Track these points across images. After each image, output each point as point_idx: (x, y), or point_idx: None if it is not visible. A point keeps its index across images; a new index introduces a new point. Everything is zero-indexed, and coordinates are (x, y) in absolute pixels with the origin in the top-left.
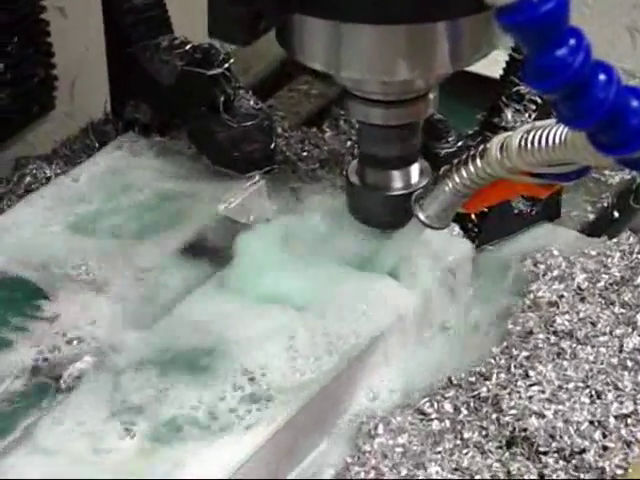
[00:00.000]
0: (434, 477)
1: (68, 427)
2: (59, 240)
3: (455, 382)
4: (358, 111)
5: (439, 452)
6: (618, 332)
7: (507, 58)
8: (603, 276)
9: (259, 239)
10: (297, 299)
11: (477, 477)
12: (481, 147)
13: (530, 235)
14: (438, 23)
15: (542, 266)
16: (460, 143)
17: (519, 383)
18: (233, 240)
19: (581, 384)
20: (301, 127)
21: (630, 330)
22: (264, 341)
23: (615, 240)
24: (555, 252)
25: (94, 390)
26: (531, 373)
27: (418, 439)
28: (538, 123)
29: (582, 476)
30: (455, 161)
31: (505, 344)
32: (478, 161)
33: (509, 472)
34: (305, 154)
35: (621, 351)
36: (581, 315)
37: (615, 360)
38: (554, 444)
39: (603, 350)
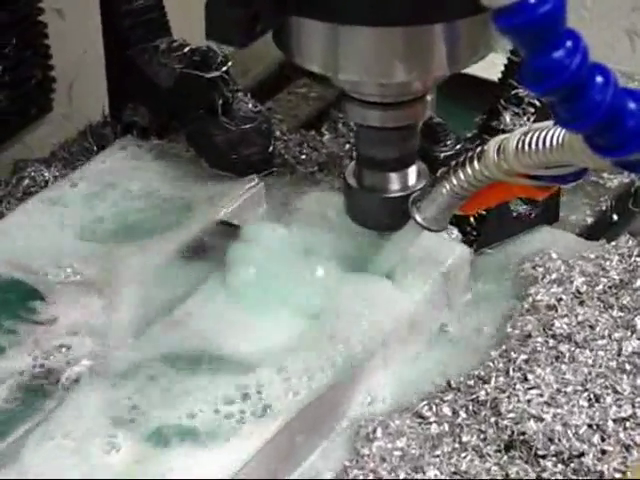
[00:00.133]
0: None
1: (57, 443)
2: (57, 243)
3: (454, 385)
4: (355, 113)
5: (437, 456)
6: (617, 335)
7: (505, 61)
8: (602, 279)
9: (257, 242)
10: (295, 303)
11: None
12: (478, 149)
13: (529, 238)
14: (435, 25)
15: (541, 269)
16: (459, 146)
17: (518, 386)
18: (231, 243)
19: (580, 387)
20: (299, 130)
21: (629, 333)
22: (263, 344)
23: (614, 243)
24: (554, 255)
25: (89, 397)
26: (530, 376)
27: (417, 443)
28: (535, 125)
29: (580, 479)
30: (452, 163)
31: (504, 347)
32: (475, 163)
33: (507, 475)
34: (304, 157)
35: (620, 354)
36: (580, 318)
37: (614, 363)
38: (553, 447)
39: (602, 353)
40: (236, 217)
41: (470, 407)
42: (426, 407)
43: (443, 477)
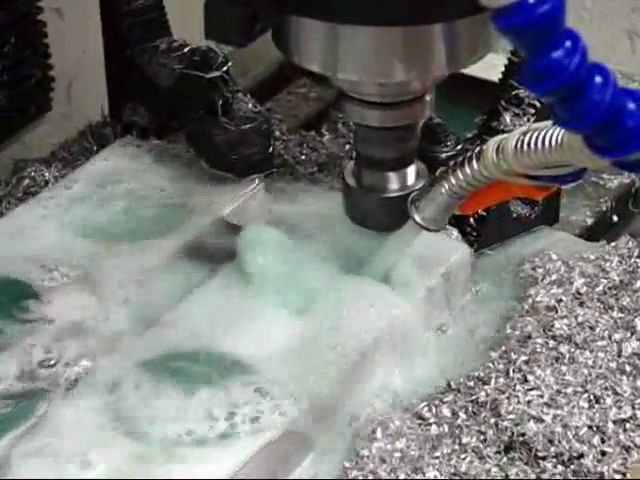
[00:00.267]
0: None
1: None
2: (57, 243)
3: (453, 386)
4: (355, 113)
5: (437, 457)
6: (617, 337)
7: (506, 61)
8: (602, 280)
9: (256, 243)
10: (294, 304)
11: None
12: (477, 149)
13: (529, 239)
14: (434, 25)
15: (541, 270)
16: (459, 147)
17: (517, 388)
18: (231, 243)
19: (580, 389)
20: (299, 130)
21: (629, 335)
22: (263, 345)
23: (614, 244)
24: (554, 256)
25: (85, 400)
26: (530, 378)
27: (416, 444)
28: (534, 125)
29: None
30: (451, 163)
31: (504, 348)
32: (474, 163)
33: (507, 477)
34: (303, 157)
35: (620, 356)
36: (580, 319)
37: (614, 365)
38: (552, 449)
39: (602, 355)
40: (236, 217)
41: (470, 408)
42: (426, 408)
43: (443, 478)
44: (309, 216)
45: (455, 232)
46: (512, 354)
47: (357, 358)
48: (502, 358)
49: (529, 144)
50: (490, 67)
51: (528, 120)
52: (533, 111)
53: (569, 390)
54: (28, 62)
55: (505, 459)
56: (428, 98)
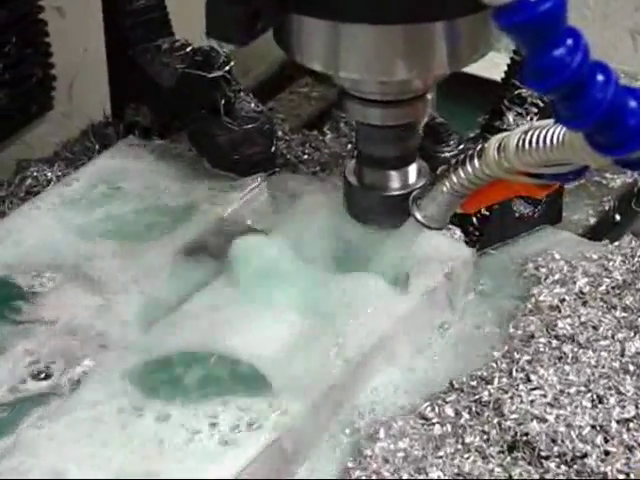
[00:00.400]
0: None
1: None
2: (60, 243)
3: (456, 386)
4: (356, 111)
5: (440, 457)
6: (620, 336)
7: (508, 61)
8: (605, 280)
9: (259, 242)
10: (296, 303)
11: None
12: (479, 147)
13: (531, 239)
14: (436, 23)
15: (543, 270)
16: (461, 146)
17: (520, 387)
18: (233, 243)
19: (583, 388)
20: (302, 130)
21: (632, 334)
22: (265, 345)
23: (617, 244)
24: (557, 256)
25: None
26: (533, 377)
27: (419, 443)
28: (536, 123)
29: None
30: (453, 161)
31: (507, 348)
32: (476, 161)
33: (511, 477)
34: (306, 157)
35: (623, 355)
36: (583, 319)
37: (617, 364)
38: (556, 449)
39: (605, 354)
40: (238, 217)
41: (473, 408)
42: (429, 408)
43: (446, 478)
44: (311, 215)
45: (458, 232)
46: (515, 354)
47: (359, 358)
48: (505, 358)
49: (531, 142)
50: (493, 66)
51: (531, 119)
52: (536, 110)
53: (572, 390)
54: (29, 61)
55: (508, 459)
56: (429, 96)
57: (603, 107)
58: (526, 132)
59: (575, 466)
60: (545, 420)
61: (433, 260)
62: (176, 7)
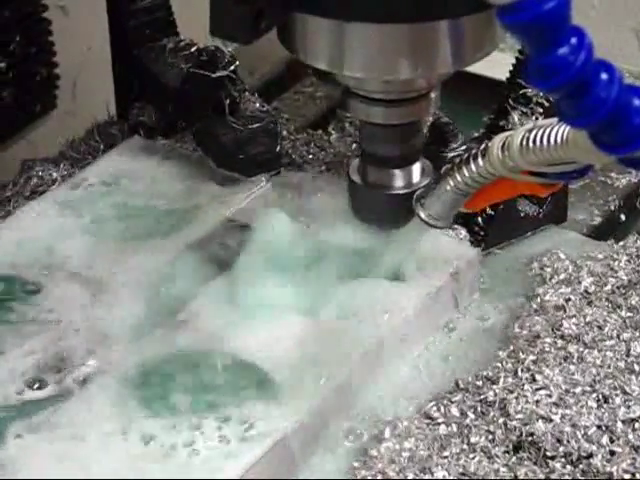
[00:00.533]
0: None
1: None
2: (64, 243)
3: (462, 386)
4: (360, 110)
5: (446, 457)
6: (625, 336)
7: (514, 60)
8: (610, 280)
9: (264, 242)
10: (302, 303)
11: None
12: (483, 146)
13: (537, 239)
14: (440, 22)
15: (549, 269)
16: (467, 146)
17: (526, 387)
18: (238, 243)
19: (588, 388)
20: (306, 129)
21: (637, 334)
22: (271, 345)
23: (622, 243)
24: (562, 255)
25: (97, 398)
26: (538, 377)
27: (425, 443)
28: (540, 122)
29: None
30: (457, 160)
31: (512, 348)
32: (480, 160)
33: (516, 477)
34: (311, 157)
35: (628, 355)
36: (588, 319)
37: (622, 364)
38: (561, 449)
39: (610, 354)
40: (243, 217)
41: (478, 408)
42: (434, 408)
43: (451, 478)
44: (315, 214)
45: (463, 231)
46: (520, 354)
47: (364, 358)
48: (510, 357)
49: (534, 141)
50: (498, 66)
51: (536, 119)
52: (541, 110)
53: (578, 390)
54: (33, 60)
55: (514, 459)
56: (433, 95)
57: (607, 105)
58: (530, 131)
59: (581, 466)
60: (550, 420)
61: (438, 260)
62: (181, 7)
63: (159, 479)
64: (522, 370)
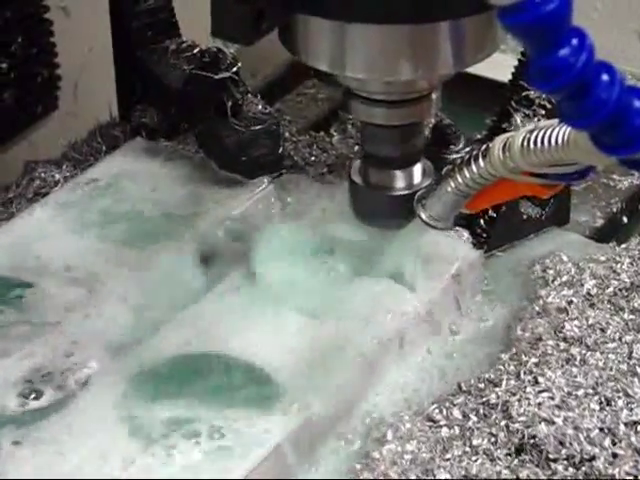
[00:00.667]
0: None
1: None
2: (64, 245)
3: (464, 388)
4: (361, 111)
5: (448, 459)
6: (628, 338)
7: (516, 62)
8: (612, 282)
9: (266, 244)
10: (303, 304)
11: None
12: (484, 147)
13: (539, 241)
14: (441, 23)
15: (551, 272)
16: (469, 149)
17: (528, 389)
18: (240, 245)
19: (591, 391)
20: (309, 131)
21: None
22: (273, 347)
23: (624, 246)
24: (564, 258)
25: (99, 400)
26: (540, 379)
27: (427, 446)
28: (541, 123)
29: None
30: (458, 161)
31: (514, 350)
32: (481, 161)
33: (518, 479)
34: (313, 158)
35: (631, 357)
36: (590, 321)
37: (625, 366)
38: (564, 451)
39: (613, 356)
40: (246, 219)
41: (481, 410)
42: (436, 410)
43: None
44: (317, 216)
45: (465, 233)
46: (523, 356)
47: (367, 360)
48: (513, 360)
49: (535, 142)
50: (500, 68)
51: (538, 121)
52: (543, 112)
53: (580, 392)
54: (34, 61)
55: (516, 461)
56: (434, 96)
57: (608, 107)
58: (531, 132)
59: (583, 469)
60: (553, 422)
61: (440, 262)
62: (183, 8)
63: (159, 479)
64: (524, 372)
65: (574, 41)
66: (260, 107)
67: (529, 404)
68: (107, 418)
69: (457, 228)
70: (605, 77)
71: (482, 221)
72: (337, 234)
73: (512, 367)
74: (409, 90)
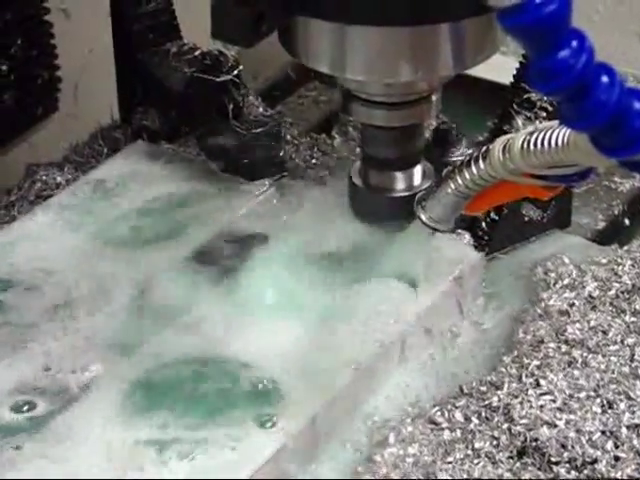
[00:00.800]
0: None
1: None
2: (66, 247)
3: (466, 391)
4: (361, 113)
5: (450, 462)
6: (629, 341)
7: (517, 65)
8: (614, 284)
9: (267, 246)
10: (305, 306)
11: None
12: (484, 148)
13: (541, 243)
14: (441, 25)
15: (553, 274)
16: (470, 151)
17: (530, 392)
18: (241, 248)
19: (592, 393)
20: (310, 134)
21: None
22: (274, 349)
23: (626, 248)
24: (566, 260)
25: (101, 404)
26: (542, 382)
27: (429, 449)
28: (541, 125)
29: None
30: (458, 163)
31: (516, 353)
32: (481, 162)
33: None
34: (314, 161)
35: (632, 360)
36: (592, 324)
37: (627, 369)
38: (566, 454)
39: (614, 359)
40: (247, 221)
41: (482, 413)
42: (438, 413)
43: None
44: (318, 219)
45: (467, 236)
46: (524, 359)
47: (368, 363)
48: (514, 363)
49: (535, 144)
50: (502, 70)
51: (540, 123)
52: (545, 114)
53: (582, 395)
54: (35, 63)
55: (518, 464)
56: (435, 98)
57: (608, 108)
58: (531, 133)
59: (585, 471)
60: (555, 425)
61: (442, 264)
62: (184, 11)
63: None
64: (526, 375)
65: (574, 43)
66: (261, 109)
67: (531, 407)
68: (107, 423)
69: (459, 230)
70: (605, 79)
71: (484, 223)
72: (338, 236)
73: (514, 370)
74: (409, 92)
